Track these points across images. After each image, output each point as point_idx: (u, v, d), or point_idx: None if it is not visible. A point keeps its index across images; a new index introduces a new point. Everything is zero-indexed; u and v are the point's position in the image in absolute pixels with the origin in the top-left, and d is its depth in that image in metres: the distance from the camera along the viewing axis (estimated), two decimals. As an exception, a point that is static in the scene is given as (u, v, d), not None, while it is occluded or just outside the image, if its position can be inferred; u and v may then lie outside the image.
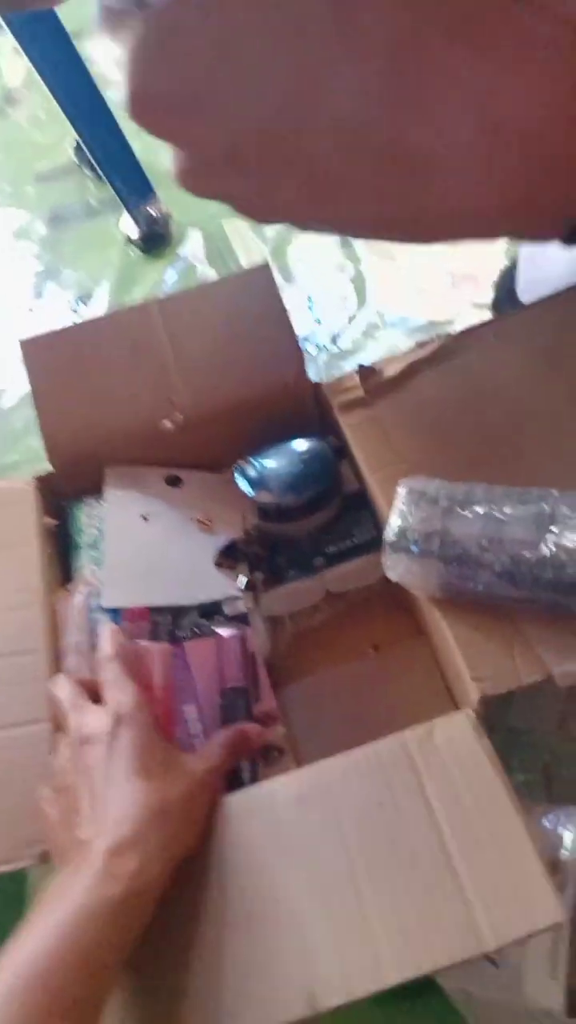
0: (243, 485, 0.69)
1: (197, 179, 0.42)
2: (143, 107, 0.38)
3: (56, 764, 0.51)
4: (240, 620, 0.65)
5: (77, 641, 0.64)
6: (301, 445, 0.71)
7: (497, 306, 0.91)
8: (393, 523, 0.55)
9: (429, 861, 0.44)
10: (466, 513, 0.53)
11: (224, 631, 0.63)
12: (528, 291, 0.86)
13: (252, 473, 0.70)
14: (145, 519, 0.71)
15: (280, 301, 0.75)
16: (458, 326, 0.70)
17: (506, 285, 0.90)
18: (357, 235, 0.51)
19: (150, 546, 0.70)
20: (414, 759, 0.48)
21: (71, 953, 0.37)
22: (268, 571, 0.68)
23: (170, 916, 0.44)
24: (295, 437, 0.72)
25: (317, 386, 0.74)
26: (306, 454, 0.70)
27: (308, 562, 0.68)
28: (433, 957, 0.40)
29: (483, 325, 0.69)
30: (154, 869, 0.41)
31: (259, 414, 0.73)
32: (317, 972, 0.41)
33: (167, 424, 0.72)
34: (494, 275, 0.94)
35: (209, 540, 0.71)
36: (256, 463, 0.71)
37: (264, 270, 0.76)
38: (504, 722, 0.60)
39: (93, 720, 0.49)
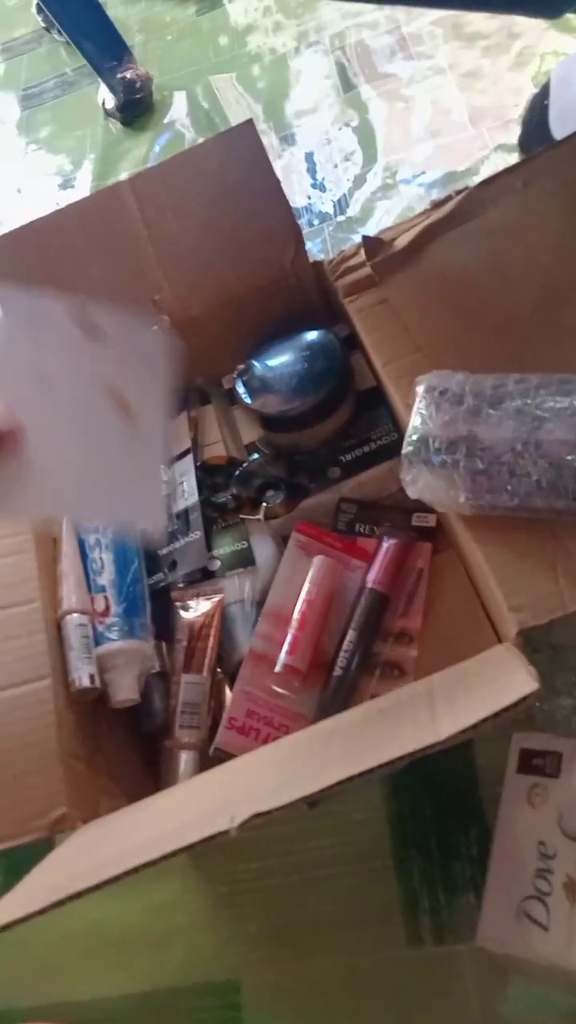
0: (242, 393, 0.61)
1: None
2: None
3: None
4: (424, 532, 0.58)
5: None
6: (304, 340, 0.62)
7: (526, 144, 0.78)
8: (411, 430, 0.47)
9: (409, 698, 0.41)
10: (496, 412, 0.45)
11: (392, 538, 0.58)
12: (563, 121, 0.72)
13: (251, 378, 0.62)
14: (42, 384, 0.44)
15: (269, 165, 0.64)
16: (482, 176, 0.58)
17: (535, 118, 0.76)
18: None
19: (44, 430, 0.42)
20: (433, 686, 0.44)
21: None
22: (286, 491, 0.61)
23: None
24: (299, 331, 0.63)
25: (318, 266, 0.64)
26: (310, 350, 0.61)
27: (322, 473, 0.61)
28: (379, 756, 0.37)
29: (509, 171, 0.58)
30: None
31: (255, 307, 0.64)
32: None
33: (153, 330, 0.63)
34: (520, 107, 0.80)
35: (128, 434, 0.46)
36: (256, 365, 0.62)
37: (247, 128, 0.64)
38: (546, 639, 0.53)
39: None
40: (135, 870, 0.37)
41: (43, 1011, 0.53)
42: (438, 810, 0.52)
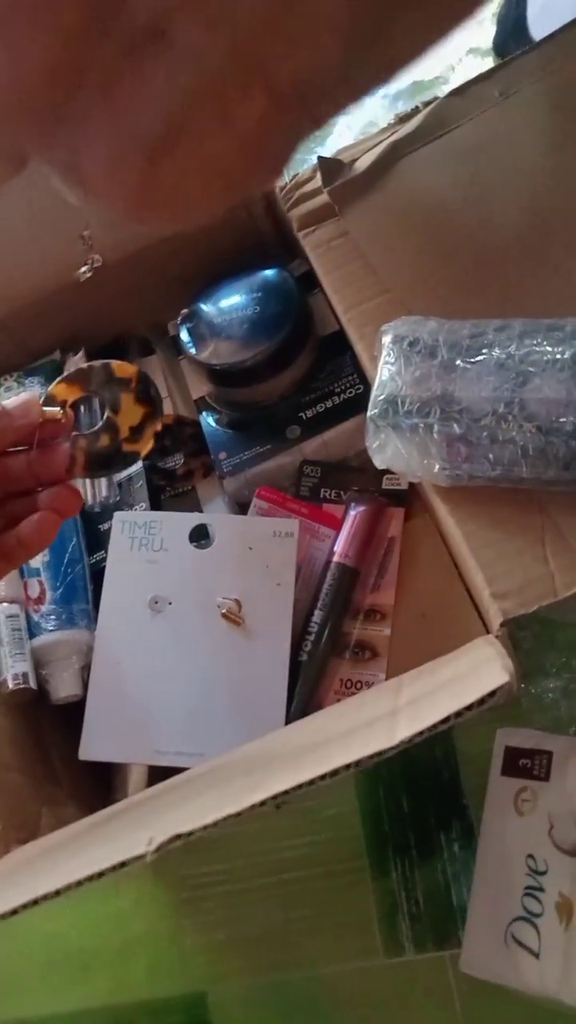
0: (187, 342, 0.54)
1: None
2: None
3: None
4: (395, 496, 0.53)
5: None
6: (256, 279, 0.55)
7: (501, 47, 0.69)
8: (377, 389, 0.41)
9: (374, 697, 0.37)
10: (474, 367, 0.39)
11: (360, 505, 0.52)
12: (544, 18, 0.64)
13: (197, 324, 0.54)
14: (155, 606, 0.49)
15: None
16: (453, 85, 0.51)
17: (512, 14, 0.67)
18: None
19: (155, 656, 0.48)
20: (403, 681, 0.39)
21: None
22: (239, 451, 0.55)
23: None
24: (250, 269, 0.56)
25: (270, 193, 0.56)
26: (262, 291, 0.54)
27: (281, 433, 0.54)
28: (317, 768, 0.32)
29: (484, 77, 0.50)
30: None
31: (201, 241, 0.56)
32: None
33: (83, 271, 0.56)
34: (495, 2, 0.71)
35: (244, 648, 0.48)
36: (202, 310, 0.55)
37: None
38: (534, 614, 0.49)
39: None
40: (35, 902, 0.33)
41: (-3, 1031, 0.50)
42: (416, 804, 0.48)
